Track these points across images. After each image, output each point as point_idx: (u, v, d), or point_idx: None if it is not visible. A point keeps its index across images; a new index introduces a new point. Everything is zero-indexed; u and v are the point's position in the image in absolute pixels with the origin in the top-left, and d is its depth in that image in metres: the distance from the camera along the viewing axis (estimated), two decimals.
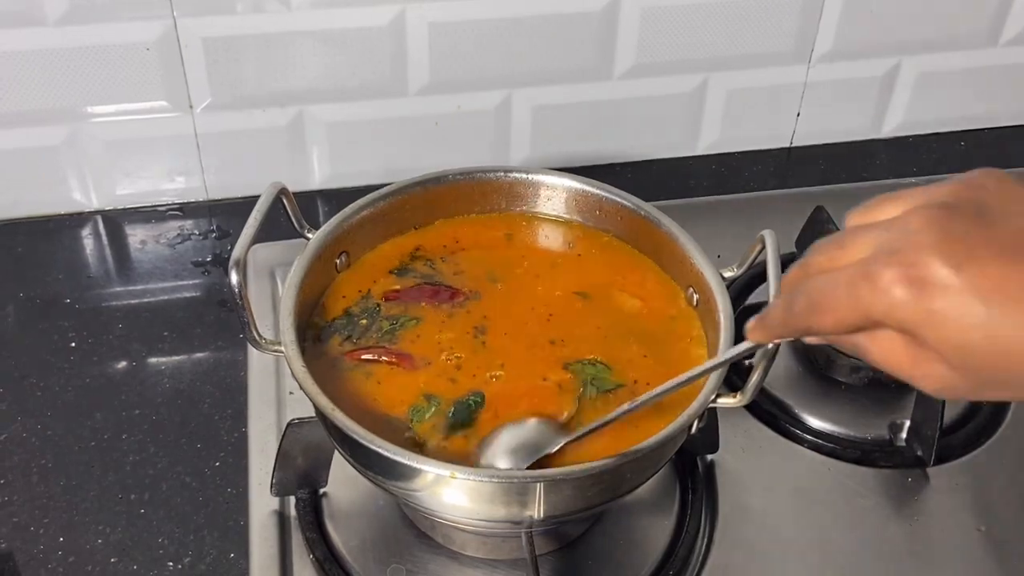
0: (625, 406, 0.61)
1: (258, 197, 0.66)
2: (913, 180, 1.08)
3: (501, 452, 0.63)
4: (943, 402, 0.76)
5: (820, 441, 0.80)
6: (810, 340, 0.51)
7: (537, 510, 0.60)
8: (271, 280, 0.92)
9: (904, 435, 0.80)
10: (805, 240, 0.94)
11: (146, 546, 0.73)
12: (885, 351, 0.46)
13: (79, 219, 1.01)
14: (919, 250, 0.43)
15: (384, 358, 0.68)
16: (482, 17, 0.96)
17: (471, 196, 0.78)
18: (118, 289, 0.95)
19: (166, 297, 0.94)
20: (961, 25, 1.08)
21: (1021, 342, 0.41)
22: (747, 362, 0.80)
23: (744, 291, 0.90)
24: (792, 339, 0.51)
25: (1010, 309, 0.41)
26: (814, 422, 0.82)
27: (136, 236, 1.00)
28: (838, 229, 0.91)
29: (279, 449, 0.71)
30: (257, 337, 0.62)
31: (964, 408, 0.83)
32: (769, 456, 0.79)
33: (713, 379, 0.62)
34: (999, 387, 0.44)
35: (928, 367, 0.45)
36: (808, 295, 0.48)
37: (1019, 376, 0.42)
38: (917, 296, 0.42)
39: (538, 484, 0.58)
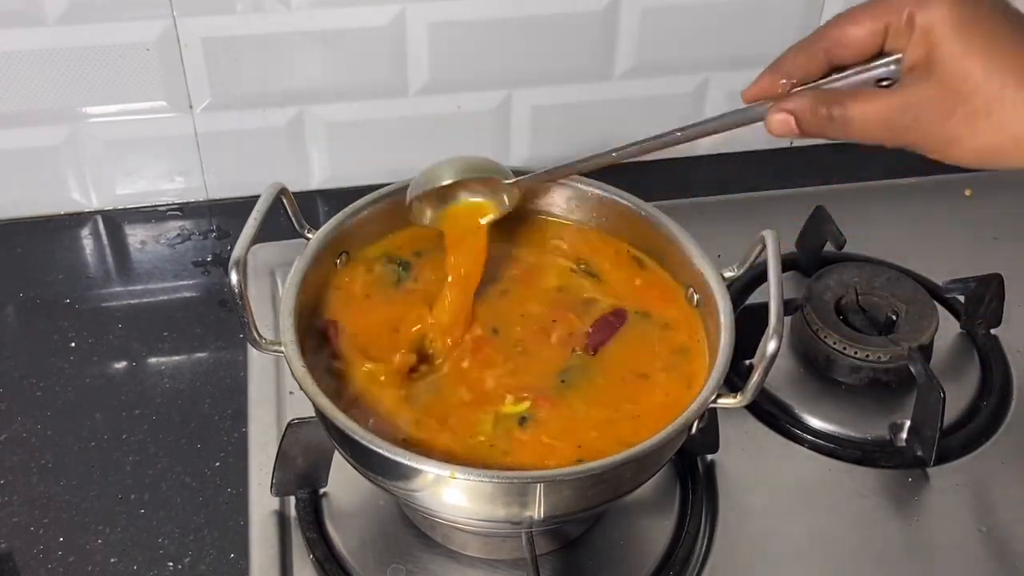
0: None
1: (258, 197, 0.66)
2: (914, 180, 1.08)
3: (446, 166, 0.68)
4: (943, 402, 0.76)
5: (820, 441, 0.80)
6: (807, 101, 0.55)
7: (537, 510, 0.60)
8: (271, 280, 0.92)
9: (904, 435, 0.80)
10: (805, 240, 0.94)
11: (146, 546, 0.73)
12: (919, 108, 0.52)
13: (79, 219, 1.01)
14: None
15: None
16: (482, 17, 0.96)
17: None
18: (118, 289, 0.95)
19: (166, 297, 0.94)
20: None
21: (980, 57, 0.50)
22: (747, 362, 0.81)
23: (744, 291, 0.90)
24: (807, 83, 0.56)
25: (1012, 44, 0.49)
26: (814, 422, 0.81)
27: (136, 236, 1.00)
28: (838, 230, 0.92)
29: (279, 449, 0.71)
30: (257, 337, 0.62)
31: (964, 408, 0.83)
32: (769, 456, 0.79)
33: (713, 380, 0.62)
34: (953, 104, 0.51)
35: (904, 106, 0.52)
36: (834, 22, 0.55)
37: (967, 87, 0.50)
38: (957, 1, 0.50)
39: (538, 484, 0.58)
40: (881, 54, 0.55)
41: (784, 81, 0.57)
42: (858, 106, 0.53)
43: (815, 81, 0.57)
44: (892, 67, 0.55)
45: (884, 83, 0.55)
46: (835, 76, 0.56)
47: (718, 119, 0.61)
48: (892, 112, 0.52)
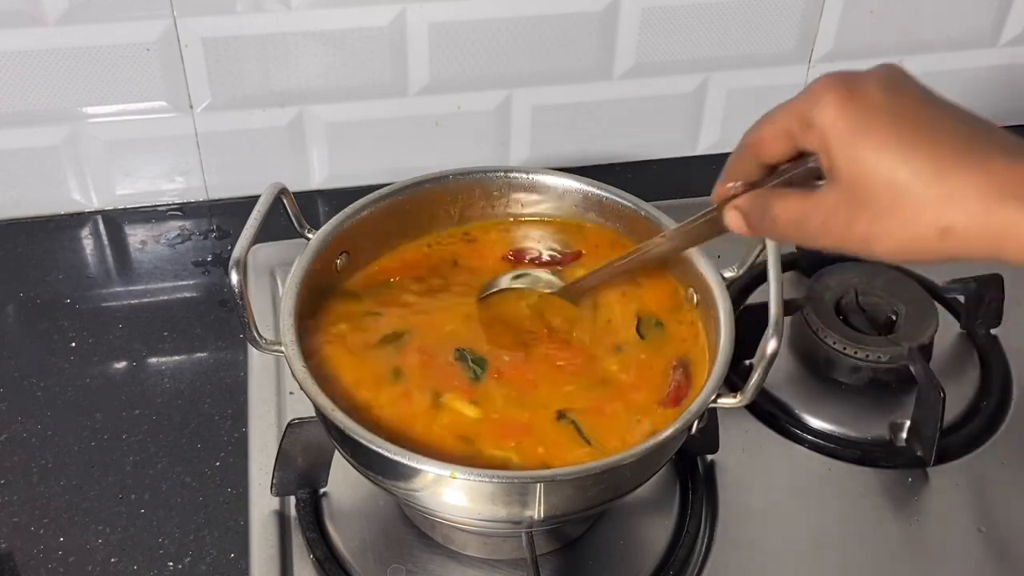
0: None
1: (258, 197, 0.66)
2: None
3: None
4: (943, 402, 0.76)
5: (820, 441, 0.80)
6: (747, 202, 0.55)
7: (537, 510, 0.60)
8: (271, 280, 0.92)
9: (904, 435, 0.80)
10: None
11: (146, 546, 0.73)
12: (826, 213, 0.49)
13: (79, 219, 1.01)
14: (859, 75, 0.49)
15: None
16: (482, 17, 0.97)
17: (471, 196, 0.78)
18: (118, 289, 0.95)
19: (166, 297, 0.94)
20: (961, 25, 1.08)
21: (900, 169, 0.46)
22: (747, 362, 0.81)
23: (744, 291, 0.90)
24: (742, 190, 0.56)
25: (906, 138, 0.46)
26: (814, 422, 0.82)
27: (136, 236, 1.00)
28: None
29: (279, 449, 0.71)
30: (257, 337, 0.62)
31: (964, 408, 0.83)
32: (769, 456, 0.79)
33: (713, 380, 0.62)
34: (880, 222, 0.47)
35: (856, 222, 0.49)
36: (750, 130, 0.55)
37: (887, 202, 0.47)
38: (847, 101, 0.48)
39: (538, 484, 0.58)
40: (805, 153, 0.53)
41: (731, 185, 0.57)
42: (779, 205, 0.52)
43: (760, 181, 0.56)
44: (815, 165, 0.52)
45: (820, 182, 0.52)
46: (775, 175, 0.55)
47: (688, 225, 0.64)
48: (802, 215, 0.51)
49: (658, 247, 0.68)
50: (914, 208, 0.46)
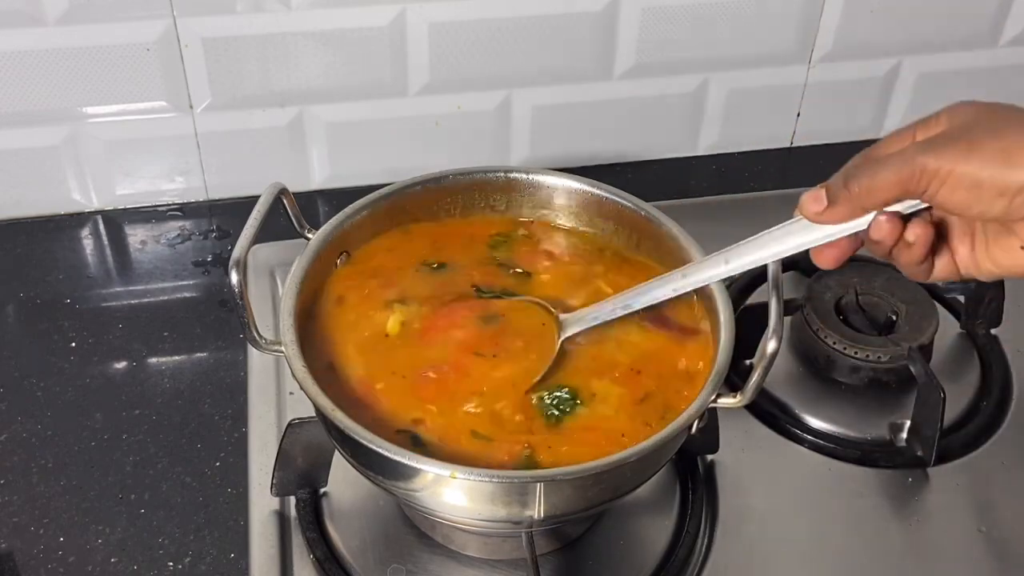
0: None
1: (258, 197, 0.66)
2: None
3: None
4: (943, 402, 0.76)
5: (820, 441, 0.80)
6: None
7: (537, 510, 0.60)
8: (271, 280, 0.92)
9: (904, 435, 0.80)
10: None
11: (146, 546, 0.73)
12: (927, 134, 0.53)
13: (79, 219, 1.01)
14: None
15: None
16: (482, 17, 0.97)
17: (471, 196, 0.78)
18: (118, 289, 0.95)
19: (166, 297, 0.94)
20: (961, 25, 1.08)
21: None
22: (747, 362, 0.81)
23: (744, 291, 0.90)
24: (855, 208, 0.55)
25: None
26: (814, 422, 0.81)
27: (136, 236, 1.00)
28: None
29: (279, 449, 0.71)
30: (257, 337, 0.62)
31: (964, 408, 0.83)
32: (769, 456, 0.79)
33: (713, 380, 0.62)
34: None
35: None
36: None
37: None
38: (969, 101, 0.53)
39: (538, 484, 0.58)
40: None
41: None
42: (872, 150, 0.55)
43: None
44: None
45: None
46: None
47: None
48: (902, 137, 0.54)
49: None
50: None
